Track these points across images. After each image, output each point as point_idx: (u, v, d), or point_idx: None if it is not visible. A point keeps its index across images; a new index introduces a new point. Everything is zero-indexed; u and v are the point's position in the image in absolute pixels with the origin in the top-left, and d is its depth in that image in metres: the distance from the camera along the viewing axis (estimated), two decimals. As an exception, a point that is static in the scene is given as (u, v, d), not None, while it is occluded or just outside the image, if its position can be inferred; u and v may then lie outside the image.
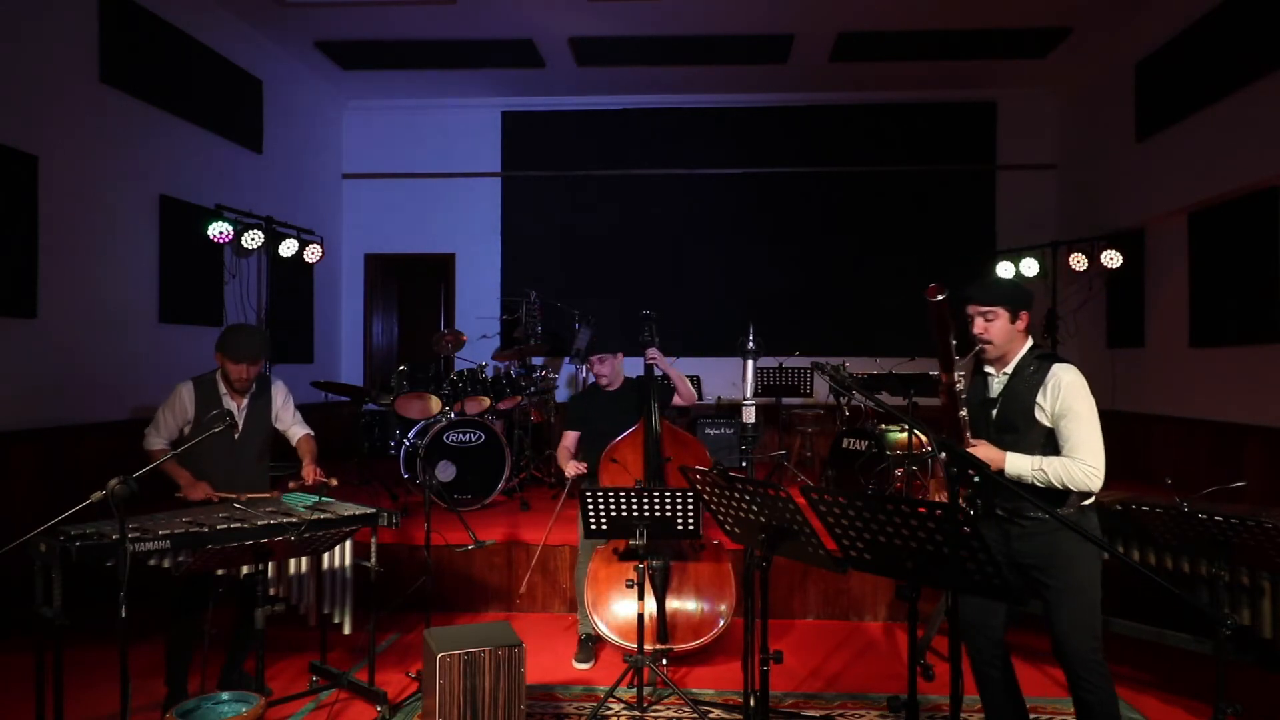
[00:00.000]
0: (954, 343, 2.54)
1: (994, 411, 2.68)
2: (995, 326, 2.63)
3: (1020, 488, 2.53)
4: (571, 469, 4.06)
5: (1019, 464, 2.55)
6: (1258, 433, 5.34)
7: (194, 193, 6.16)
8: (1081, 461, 2.49)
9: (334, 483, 3.64)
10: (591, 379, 4.41)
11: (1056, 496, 2.56)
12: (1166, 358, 6.42)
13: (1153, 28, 6.43)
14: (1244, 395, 5.51)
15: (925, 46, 7.16)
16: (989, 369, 2.74)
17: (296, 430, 3.78)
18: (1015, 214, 8.24)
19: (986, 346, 2.66)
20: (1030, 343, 2.69)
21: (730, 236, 8.50)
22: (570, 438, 4.24)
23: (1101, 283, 7.19)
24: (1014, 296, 2.65)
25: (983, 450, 2.58)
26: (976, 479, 2.53)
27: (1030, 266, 7.29)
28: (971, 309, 2.67)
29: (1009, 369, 2.67)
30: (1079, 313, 7.37)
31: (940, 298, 2.43)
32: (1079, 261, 6.94)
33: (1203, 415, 5.93)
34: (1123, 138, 6.95)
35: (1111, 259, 6.78)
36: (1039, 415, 2.57)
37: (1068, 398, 2.52)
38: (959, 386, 2.60)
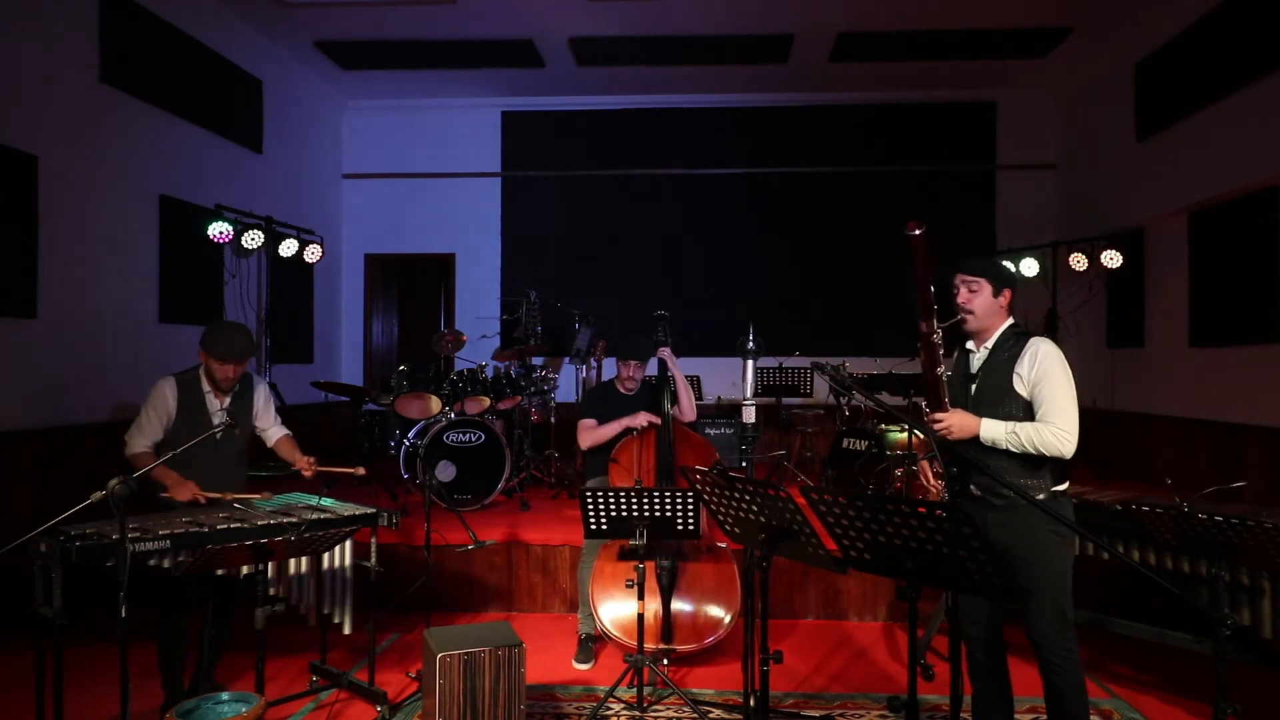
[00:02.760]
0: (933, 288, 2.58)
1: (974, 386, 2.73)
2: (978, 299, 2.70)
3: (996, 459, 2.58)
4: (643, 418, 4.05)
5: (993, 429, 2.59)
6: (1258, 433, 5.34)
7: (194, 193, 6.16)
8: (1053, 425, 2.52)
9: (360, 471, 3.60)
10: (593, 375, 4.43)
11: (1032, 472, 2.59)
12: (1166, 358, 6.42)
13: (1153, 28, 6.43)
14: (1244, 395, 5.51)
15: (925, 46, 7.16)
16: (970, 345, 2.81)
17: (276, 431, 3.68)
18: (1015, 214, 8.25)
19: (968, 317, 2.72)
20: (1010, 320, 2.76)
21: (730, 236, 8.50)
22: (592, 422, 4.23)
23: (1101, 283, 7.19)
24: (999, 272, 2.73)
25: (957, 417, 2.63)
26: (954, 469, 2.61)
27: (1030, 266, 7.28)
28: (958, 279, 2.75)
29: (989, 344, 2.73)
30: (1079, 313, 7.37)
31: (918, 232, 2.49)
32: (1079, 261, 6.94)
33: (1203, 415, 5.93)
34: (1123, 138, 6.94)
35: (1111, 259, 6.78)
36: (1017, 385, 2.61)
37: (1044, 365, 2.58)
38: (937, 337, 2.62)
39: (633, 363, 4.24)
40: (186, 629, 3.28)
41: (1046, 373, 2.57)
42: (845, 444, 5.84)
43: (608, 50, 7.33)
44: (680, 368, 4.24)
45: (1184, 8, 6.04)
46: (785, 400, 7.27)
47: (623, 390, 4.30)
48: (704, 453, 4.11)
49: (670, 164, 8.53)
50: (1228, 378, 5.71)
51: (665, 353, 4.17)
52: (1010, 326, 2.74)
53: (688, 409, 4.23)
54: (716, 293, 8.39)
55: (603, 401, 4.30)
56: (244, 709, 2.54)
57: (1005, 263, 7.28)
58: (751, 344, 3.50)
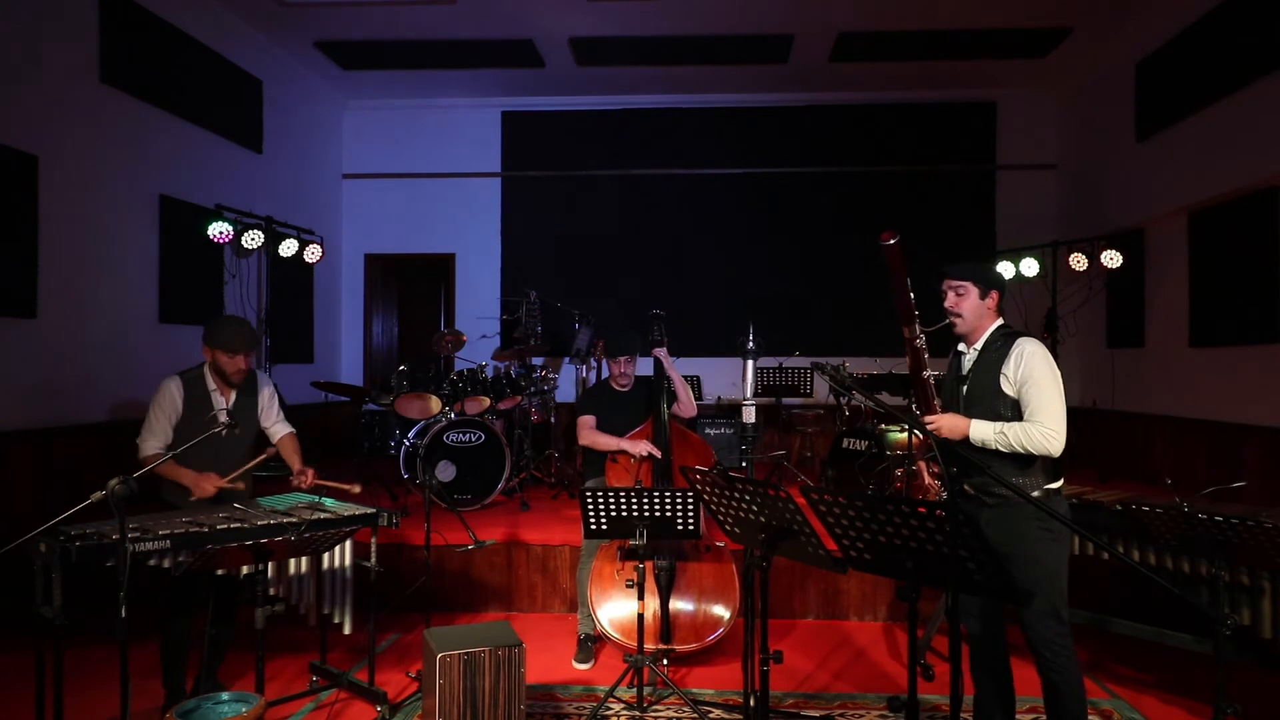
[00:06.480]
0: (911, 294, 2.64)
1: (965, 387, 2.78)
2: (966, 302, 2.75)
3: (987, 459, 2.61)
4: (644, 447, 4.01)
5: (982, 430, 2.64)
6: (1258, 433, 5.34)
7: (194, 193, 6.16)
8: (1041, 424, 2.56)
9: (356, 489, 3.47)
10: (592, 376, 4.43)
11: (1023, 471, 2.64)
12: (1166, 358, 6.42)
13: (1153, 28, 6.43)
14: (1244, 395, 5.51)
15: (925, 46, 7.16)
16: (961, 346, 2.86)
17: (280, 429, 3.65)
18: (1015, 214, 8.25)
19: (956, 320, 2.78)
20: (999, 321, 2.80)
21: (730, 236, 8.50)
22: (591, 420, 4.21)
23: (1101, 283, 7.19)
24: (985, 274, 2.78)
25: (947, 419, 2.69)
26: (954, 469, 2.65)
27: (1030, 266, 7.28)
28: (945, 284, 2.80)
29: (979, 345, 2.78)
30: (1079, 313, 7.37)
31: (893, 241, 2.55)
32: (1079, 261, 6.93)
33: (1203, 415, 5.92)
34: (1123, 138, 6.94)
35: (1111, 259, 6.77)
36: (1004, 385, 2.66)
37: (1029, 365, 2.61)
38: (920, 342, 2.68)
39: (622, 359, 4.22)
40: (189, 630, 3.28)
41: (1031, 373, 2.61)
42: (845, 444, 5.84)
43: (608, 50, 7.33)
44: (680, 367, 4.24)
45: (1184, 8, 6.03)
46: (785, 400, 7.27)
47: (617, 388, 4.30)
48: (703, 453, 4.11)
49: (670, 164, 8.53)
50: (1228, 378, 5.71)
51: (660, 352, 4.16)
52: (999, 328, 2.78)
53: (687, 405, 4.21)
54: (716, 292, 8.39)
55: (599, 400, 4.30)
56: (244, 709, 2.54)
57: (997, 265, 7.35)
58: (751, 344, 3.50)
